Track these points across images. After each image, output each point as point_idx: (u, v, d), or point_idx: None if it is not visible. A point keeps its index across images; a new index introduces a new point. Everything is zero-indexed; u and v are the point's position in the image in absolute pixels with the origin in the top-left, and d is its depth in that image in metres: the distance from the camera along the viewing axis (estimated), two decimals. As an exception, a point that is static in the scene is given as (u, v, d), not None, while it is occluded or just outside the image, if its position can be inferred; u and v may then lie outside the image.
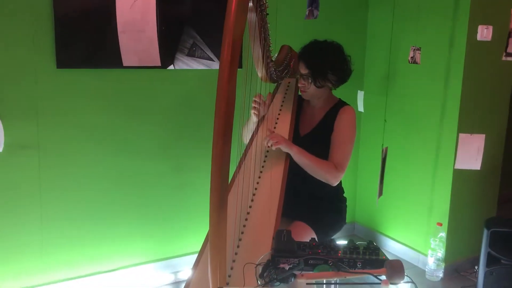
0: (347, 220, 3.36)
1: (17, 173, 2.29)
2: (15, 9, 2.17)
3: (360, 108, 3.01)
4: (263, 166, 2.01)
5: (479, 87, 2.70)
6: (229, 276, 1.67)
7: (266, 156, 2.05)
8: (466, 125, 2.66)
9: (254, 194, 1.91)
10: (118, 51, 1.54)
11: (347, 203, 2.23)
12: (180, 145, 2.69)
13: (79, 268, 2.51)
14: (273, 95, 2.26)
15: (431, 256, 2.75)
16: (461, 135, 1.49)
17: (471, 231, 2.80)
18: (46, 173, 2.36)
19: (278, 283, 1.35)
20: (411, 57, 2.32)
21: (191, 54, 2.58)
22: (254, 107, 2.04)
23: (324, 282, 1.75)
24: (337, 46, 2.07)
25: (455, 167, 1.55)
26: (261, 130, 2.10)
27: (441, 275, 2.77)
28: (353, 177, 3.41)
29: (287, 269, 1.38)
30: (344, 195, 2.22)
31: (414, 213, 2.97)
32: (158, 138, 2.63)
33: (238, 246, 1.75)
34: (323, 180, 1.96)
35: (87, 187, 2.47)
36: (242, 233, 1.79)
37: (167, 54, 2.52)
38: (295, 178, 2.04)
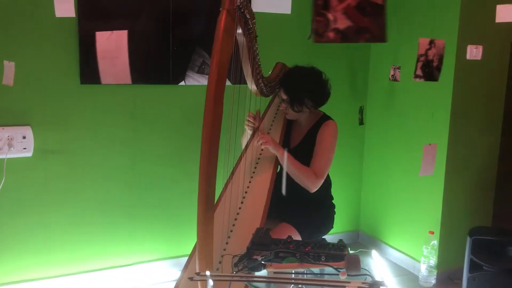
0: (353, 228, 3.57)
1: (46, 174, 2.59)
2: (47, 32, 2.50)
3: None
4: (254, 172, 2.24)
5: (470, 103, 2.85)
6: (217, 269, 1.90)
7: (257, 163, 2.29)
8: (457, 139, 2.82)
9: (244, 197, 2.14)
10: (98, 72, 1.85)
11: (335, 210, 2.42)
12: (191, 153, 2.94)
13: (99, 262, 2.79)
14: (267, 108, 2.50)
15: (424, 263, 2.89)
16: (425, 146, 1.66)
17: (463, 240, 2.92)
18: (71, 175, 2.65)
19: (249, 271, 1.57)
20: (392, 75, 2.50)
21: (200, 72, 2.85)
22: (248, 121, 2.28)
23: (293, 272, 1.95)
24: (315, 72, 2.26)
25: (419, 175, 1.72)
26: (254, 141, 2.33)
27: (433, 281, 2.90)
28: (357, 187, 3.58)
29: (259, 260, 1.61)
30: (333, 201, 2.43)
31: (410, 222, 3.12)
32: (171, 147, 2.88)
33: (227, 243, 1.98)
34: (302, 185, 2.16)
35: (105, 189, 2.75)
36: (231, 231, 2.02)
37: (179, 71, 2.80)
38: (286, 183, 2.26)
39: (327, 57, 3.17)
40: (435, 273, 2.91)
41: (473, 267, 2.49)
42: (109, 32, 1.71)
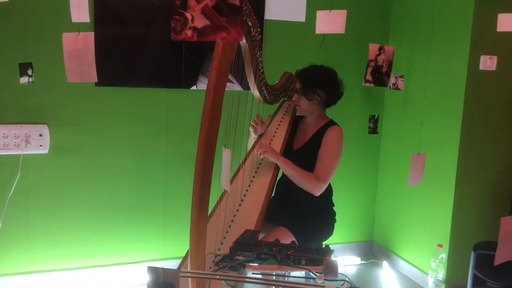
0: (367, 239, 3.53)
1: (60, 170, 2.72)
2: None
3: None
4: (254, 177, 2.28)
5: (484, 114, 2.79)
6: (210, 268, 1.94)
7: (258, 168, 2.32)
8: (469, 151, 2.75)
9: (242, 200, 2.18)
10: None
11: (336, 217, 2.42)
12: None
13: (105, 258, 2.90)
14: (273, 115, 2.54)
15: (431, 277, 2.83)
16: (413, 155, 1.64)
17: (474, 254, 2.85)
18: (84, 172, 2.77)
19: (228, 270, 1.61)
20: (393, 84, 2.48)
21: (212, 77, 2.92)
22: (252, 125, 2.33)
23: (274, 274, 1.97)
24: (331, 70, 2.32)
25: (407, 184, 1.69)
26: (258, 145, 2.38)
27: (441, 295, 2.84)
28: (372, 198, 3.54)
29: (240, 260, 1.65)
30: (334, 208, 2.42)
31: (420, 233, 3.07)
32: (182, 149, 2.95)
33: (221, 243, 2.02)
34: (306, 190, 2.18)
35: (116, 188, 2.86)
36: (227, 232, 2.06)
37: (191, 76, 2.88)
38: (287, 188, 2.28)
39: (342, 65, 3.15)
40: (443, 287, 2.84)
41: (476, 282, 2.42)
42: (76, 34, 1.81)
